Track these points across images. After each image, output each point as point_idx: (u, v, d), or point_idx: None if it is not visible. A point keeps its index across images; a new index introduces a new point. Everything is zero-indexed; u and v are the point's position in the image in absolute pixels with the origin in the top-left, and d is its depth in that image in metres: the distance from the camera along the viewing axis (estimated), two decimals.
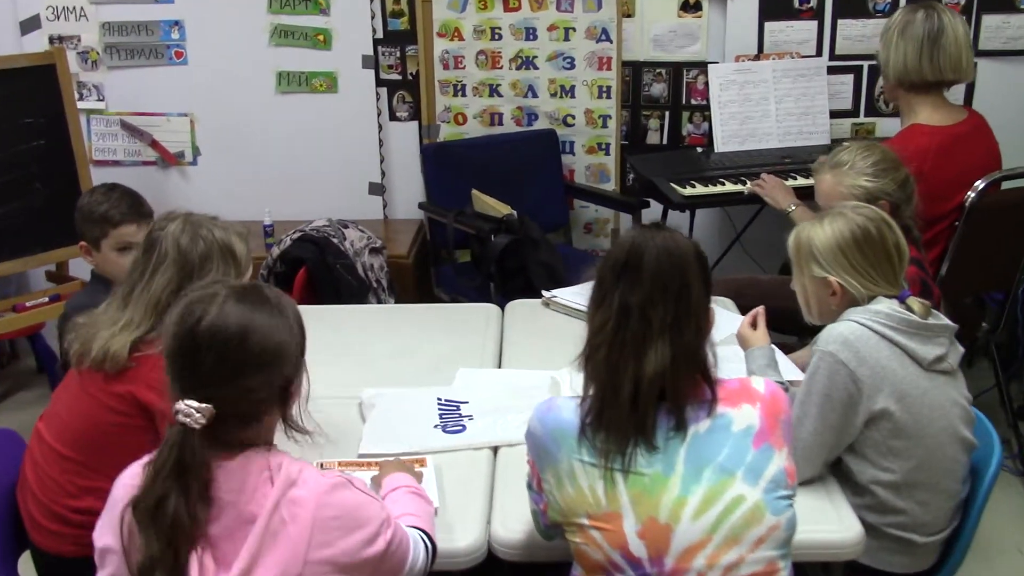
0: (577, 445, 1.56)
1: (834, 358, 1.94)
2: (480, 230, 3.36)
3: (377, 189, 4.10)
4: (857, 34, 3.80)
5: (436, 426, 2.25)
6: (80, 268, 3.71)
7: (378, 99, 4.01)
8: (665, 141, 4.01)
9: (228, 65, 3.95)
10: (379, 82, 3.99)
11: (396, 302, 3.48)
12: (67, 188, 3.70)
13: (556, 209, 3.96)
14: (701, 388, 1.56)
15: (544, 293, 3.00)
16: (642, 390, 1.51)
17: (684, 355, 1.53)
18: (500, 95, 3.96)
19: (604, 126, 3.97)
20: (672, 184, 3.46)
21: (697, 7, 3.82)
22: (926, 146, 2.90)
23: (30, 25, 3.95)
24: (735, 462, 1.53)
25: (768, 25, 3.80)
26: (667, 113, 3.98)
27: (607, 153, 4.00)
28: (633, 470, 1.52)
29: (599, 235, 4.13)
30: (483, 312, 3.00)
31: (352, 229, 3.48)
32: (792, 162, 3.62)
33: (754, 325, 2.19)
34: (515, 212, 3.36)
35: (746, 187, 3.40)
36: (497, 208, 3.40)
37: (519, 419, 2.27)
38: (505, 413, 2.29)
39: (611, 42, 3.85)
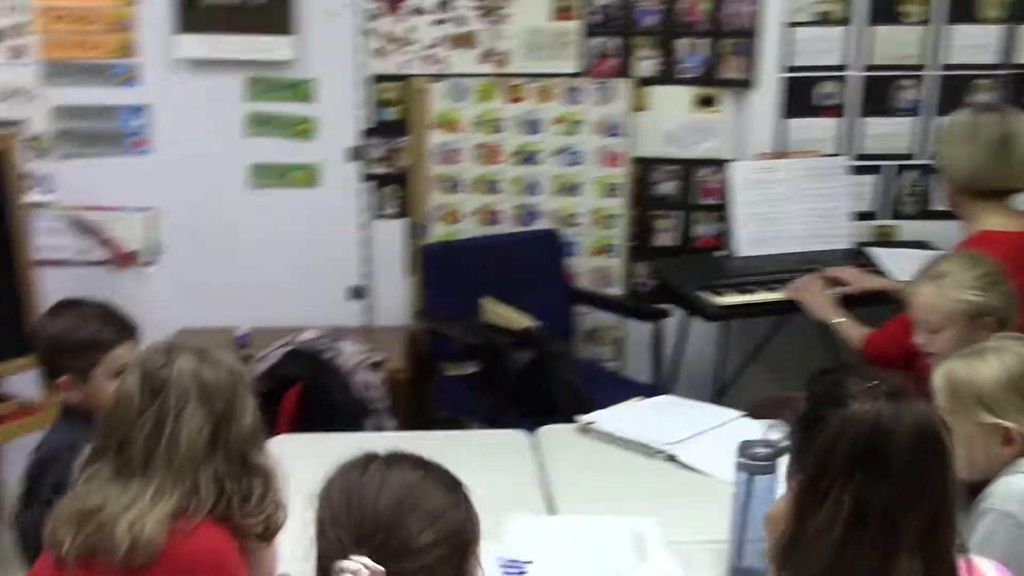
0: None
1: (1015, 521, 1.62)
2: (499, 345, 2.99)
3: (359, 293, 3.70)
4: (882, 132, 3.60)
5: None
6: (20, 386, 3.21)
7: (363, 195, 3.64)
8: (675, 243, 3.72)
9: (196, 156, 3.54)
10: (365, 176, 3.63)
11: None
12: (6, 292, 3.22)
13: (559, 316, 3.60)
14: None
15: (578, 418, 2.64)
16: None
17: (939, 571, 1.18)
18: (499, 192, 3.63)
19: (611, 226, 3.66)
20: (701, 292, 3.16)
21: (713, 102, 3.58)
22: (1003, 253, 2.64)
23: None
24: None
25: (789, 122, 3.58)
26: (677, 213, 3.70)
27: (614, 255, 3.69)
28: None
29: (602, 344, 3.79)
30: (512, 441, 2.62)
31: (347, 341, 3.08)
32: (820, 267, 3.36)
33: None
34: (537, 324, 3.00)
35: (784, 291, 3.13)
36: (514, 319, 3.04)
37: None
38: None
39: (622, 137, 3.57)
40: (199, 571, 1.52)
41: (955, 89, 3.55)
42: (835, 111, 3.58)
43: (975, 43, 3.51)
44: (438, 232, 3.65)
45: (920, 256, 3.39)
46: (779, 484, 1.89)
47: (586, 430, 2.63)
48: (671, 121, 3.60)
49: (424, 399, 3.42)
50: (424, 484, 1.34)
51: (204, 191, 3.58)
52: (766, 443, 1.89)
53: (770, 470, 1.88)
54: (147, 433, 1.56)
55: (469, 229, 3.64)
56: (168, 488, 1.53)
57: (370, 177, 3.64)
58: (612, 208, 3.64)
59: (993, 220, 2.76)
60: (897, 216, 3.70)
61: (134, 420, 1.57)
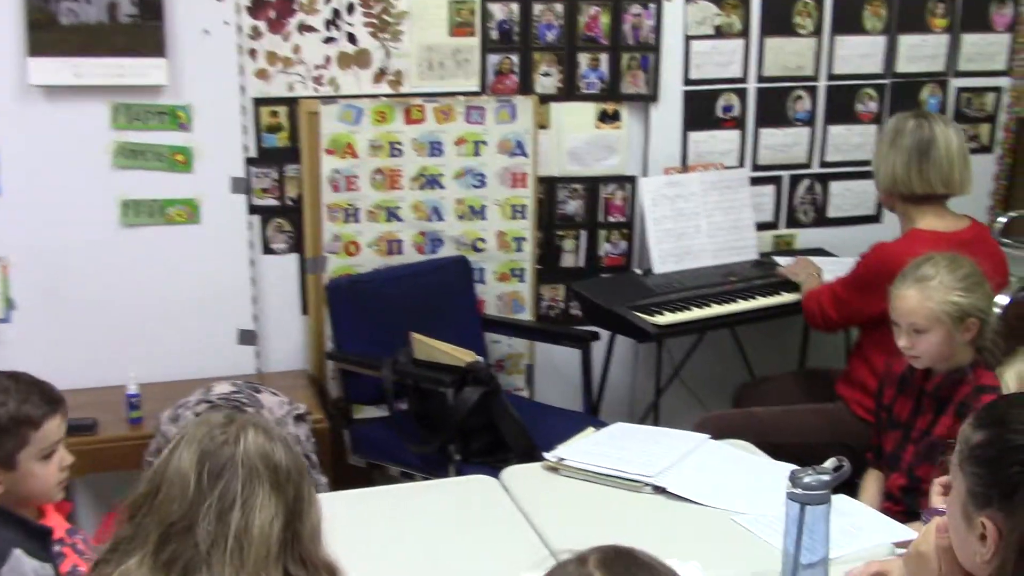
0: None
1: None
2: (440, 383, 2.77)
3: (249, 337, 3.37)
4: (778, 143, 3.63)
5: None
6: None
7: (250, 229, 3.32)
8: (582, 263, 3.61)
9: (56, 194, 3.12)
10: (251, 209, 3.32)
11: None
12: None
13: (474, 347, 3.40)
14: None
15: (547, 456, 2.46)
16: None
17: None
18: (400, 219, 3.40)
19: (519, 250, 3.51)
20: (637, 312, 3.06)
21: (616, 117, 3.50)
22: (931, 251, 2.71)
23: None
24: None
25: (692, 135, 3.55)
26: (583, 232, 3.59)
27: (522, 280, 3.54)
28: None
29: (512, 372, 3.62)
30: (482, 487, 2.41)
31: (266, 394, 2.77)
32: (738, 279, 3.35)
33: None
34: (481, 359, 2.80)
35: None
36: (452, 354, 2.83)
37: None
38: None
39: (526, 156, 3.43)
40: None
41: (844, 98, 3.64)
42: (734, 123, 3.58)
43: (860, 53, 3.61)
44: (335, 266, 3.38)
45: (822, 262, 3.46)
46: (830, 513, 1.81)
47: (555, 468, 2.46)
48: (574, 138, 3.50)
49: (338, 448, 3.14)
50: None
51: (66, 233, 3.15)
52: (817, 472, 1.79)
53: (823, 500, 1.78)
54: (210, 523, 1.29)
55: (369, 261, 3.39)
56: None
57: (257, 210, 3.33)
58: (518, 230, 3.49)
59: (926, 221, 2.82)
60: (793, 224, 3.74)
61: (188, 507, 1.30)
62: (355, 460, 3.10)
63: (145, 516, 1.33)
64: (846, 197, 3.74)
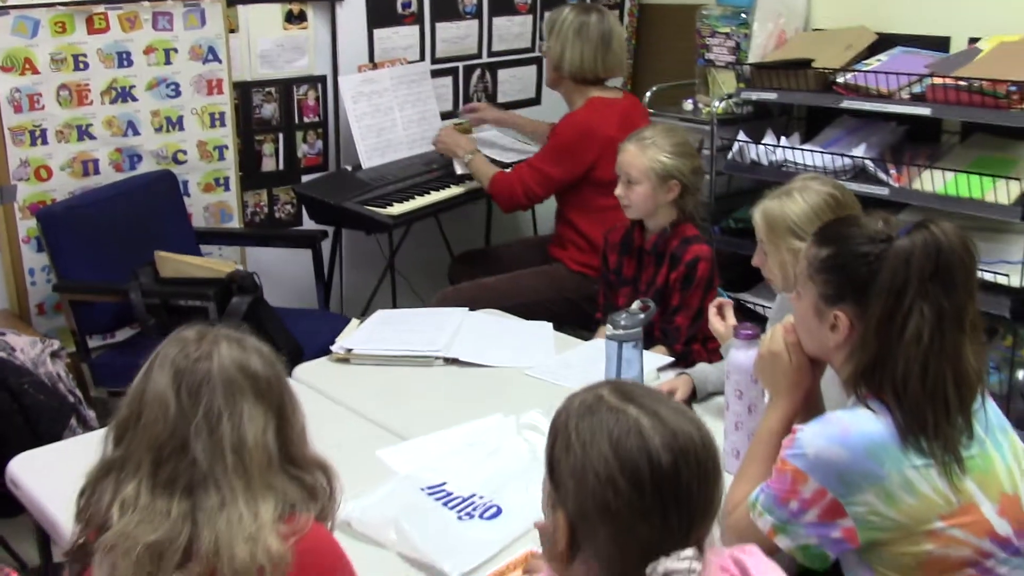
0: (903, 454, 1.46)
1: None
2: (203, 297, 2.72)
3: None
4: (452, 36, 3.86)
5: (464, 517, 1.85)
6: None
7: None
8: (282, 167, 3.64)
9: None
10: None
11: None
12: None
13: None
14: None
15: (333, 348, 2.59)
16: (967, 396, 1.49)
17: (981, 349, 1.53)
18: (93, 137, 3.20)
19: (221, 158, 3.45)
20: (368, 207, 3.19)
21: (303, 17, 3.52)
22: (611, 114, 3.14)
23: None
24: (1000, 418, 1.59)
25: (376, 32, 3.66)
26: (281, 135, 3.61)
27: (227, 188, 3.50)
28: (964, 457, 1.49)
29: None
30: None
31: (11, 334, 2.56)
32: (439, 167, 3.59)
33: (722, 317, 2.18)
34: (241, 267, 2.79)
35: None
36: (208, 267, 2.79)
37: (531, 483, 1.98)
38: (511, 479, 1.97)
39: (220, 62, 3.35)
40: (324, 573, 1.35)
41: None
42: (413, 18, 3.75)
43: None
44: (26, 194, 3.12)
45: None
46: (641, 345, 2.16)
47: (345, 359, 2.59)
48: (264, 40, 3.48)
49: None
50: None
51: None
52: (630, 314, 2.12)
53: (637, 337, 2.12)
54: (203, 441, 1.29)
55: (63, 184, 3.17)
56: (259, 497, 1.30)
57: None
58: (219, 138, 3.43)
59: (595, 93, 3.24)
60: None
61: (174, 428, 1.29)
62: (99, 392, 2.97)
63: (132, 440, 1.32)
64: (512, 83, 4.09)
